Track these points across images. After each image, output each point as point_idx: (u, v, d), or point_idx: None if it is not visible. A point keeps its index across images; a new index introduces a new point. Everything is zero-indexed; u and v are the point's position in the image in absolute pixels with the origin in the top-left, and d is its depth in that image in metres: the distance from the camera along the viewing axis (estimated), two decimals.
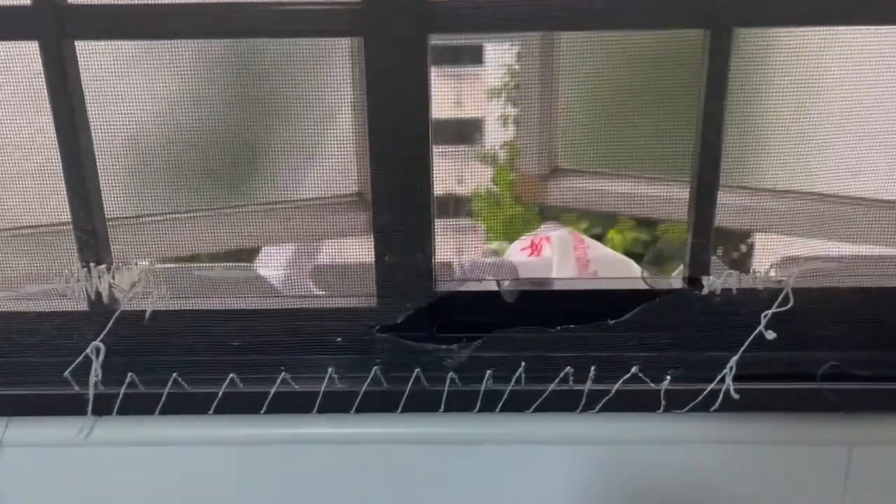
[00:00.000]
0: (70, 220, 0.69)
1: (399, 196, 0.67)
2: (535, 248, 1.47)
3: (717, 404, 0.69)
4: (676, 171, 0.84)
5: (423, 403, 0.70)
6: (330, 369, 0.70)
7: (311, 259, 1.23)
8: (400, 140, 0.66)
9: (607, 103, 0.96)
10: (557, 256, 1.39)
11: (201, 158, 0.78)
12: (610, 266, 1.41)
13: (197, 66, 0.73)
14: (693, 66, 0.75)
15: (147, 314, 0.69)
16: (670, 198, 0.91)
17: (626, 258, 1.43)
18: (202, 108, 0.74)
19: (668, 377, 0.69)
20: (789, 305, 0.66)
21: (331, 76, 0.77)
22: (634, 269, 1.43)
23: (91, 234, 0.68)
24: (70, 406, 0.71)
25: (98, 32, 0.65)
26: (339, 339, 0.70)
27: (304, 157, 0.83)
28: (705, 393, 0.69)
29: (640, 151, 0.96)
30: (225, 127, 0.76)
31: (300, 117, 0.78)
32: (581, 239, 1.40)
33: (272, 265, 1.01)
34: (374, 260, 0.70)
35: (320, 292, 0.86)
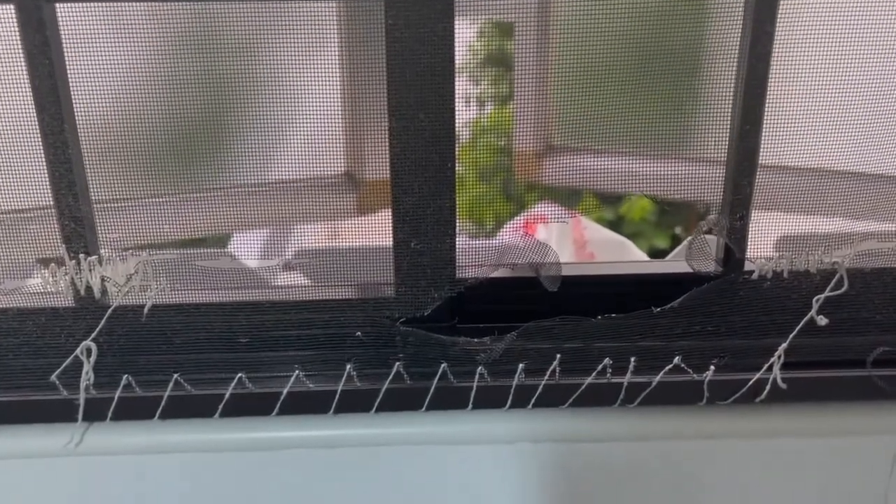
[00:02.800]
0: (53, 205, 0.61)
1: (425, 177, 0.61)
2: (528, 230, 1.42)
3: (763, 394, 0.65)
4: (679, 146, 0.80)
5: (450, 401, 0.65)
6: (348, 366, 0.65)
7: (291, 244, 1.16)
8: (425, 115, 0.60)
9: (605, 77, 0.91)
10: (554, 238, 1.35)
11: (180, 137, 0.72)
12: (607, 247, 1.38)
13: (182, 35, 0.66)
14: (696, 36, 0.70)
15: (146, 309, 0.62)
16: (670, 175, 0.87)
17: (623, 239, 1.40)
18: (181, 81, 0.67)
19: (712, 367, 0.65)
20: (843, 289, 0.62)
21: (316, 45, 0.71)
22: (631, 249, 1.39)
23: (79, 223, 0.61)
24: (58, 412, 0.64)
25: None
26: (359, 332, 0.64)
27: (287, 134, 0.77)
28: (751, 383, 0.65)
29: (639, 127, 0.92)
30: (202, 102, 0.70)
31: (283, 90, 0.72)
32: (578, 220, 1.36)
33: (247, 251, 0.95)
34: (392, 246, 0.64)
35: (306, 280, 0.80)
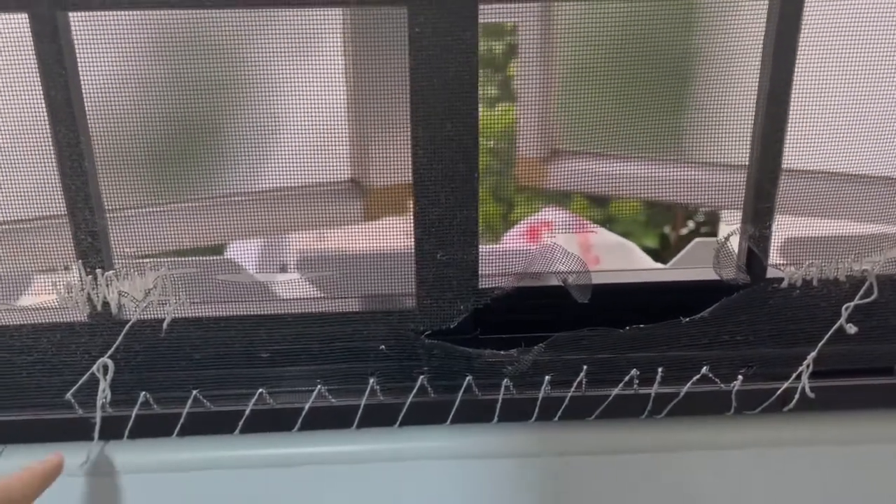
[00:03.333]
0: (68, 219, 0.60)
1: (452, 187, 0.60)
2: (533, 236, 1.41)
3: (792, 404, 0.64)
4: (695, 151, 0.79)
5: (475, 414, 0.64)
6: (371, 380, 0.63)
7: (289, 251, 1.15)
8: (450, 124, 0.58)
9: (609, 80, 0.90)
10: (559, 243, 1.34)
11: (186, 145, 0.70)
12: (611, 251, 1.37)
13: (184, 43, 0.65)
14: (717, 36, 0.70)
15: (165, 324, 0.61)
16: (677, 179, 0.86)
17: (628, 242, 1.39)
18: (183, 89, 0.66)
19: (740, 377, 0.64)
20: (873, 297, 0.62)
21: (319, 52, 0.70)
22: (636, 251, 1.39)
23: (95, 237, 0.59)
24: (73, 431, 0.63)
25: (96, 1, 0.56)
26: (383, 346, 0.63)
27: (291, 141, 0.75)
28: (779, 392, 0.64)
29: (645, 131, 0.91)
30: (207, 110, 0.69)
31: (287, 98, 0.71)
32: (583, 224, 1.35)
33: (244, 259, 0.94)
34: (416, 258, 0.63)
35: (314, 288, 0.79)
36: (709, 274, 0.66)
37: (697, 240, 1.45)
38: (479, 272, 0.64)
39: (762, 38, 0.62)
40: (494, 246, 1.36)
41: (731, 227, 0.69)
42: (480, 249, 0.63)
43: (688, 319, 0.63)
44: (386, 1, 0.57)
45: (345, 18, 0.74)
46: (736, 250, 0.66)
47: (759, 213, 0.64)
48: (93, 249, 0.59)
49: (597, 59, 0.80)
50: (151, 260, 0.64)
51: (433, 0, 0.56)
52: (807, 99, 0.67)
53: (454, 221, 0.60)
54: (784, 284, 0.62)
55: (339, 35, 0.73)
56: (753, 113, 0.66)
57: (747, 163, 0.67)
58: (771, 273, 0.65)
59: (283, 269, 1.07)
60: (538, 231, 1.39)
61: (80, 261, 0.60)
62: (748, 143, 0.67)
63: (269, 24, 0.66)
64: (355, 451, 0.64)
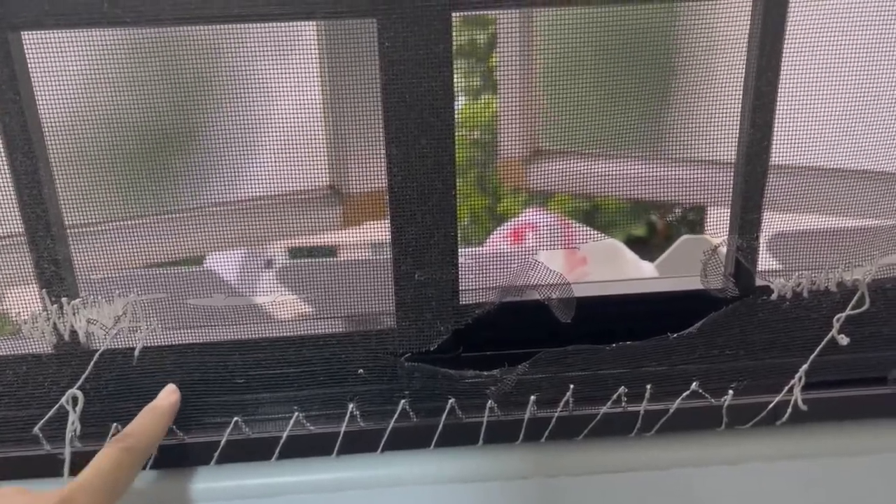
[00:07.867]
0: (29, 249, 0.57)
1: (429, 205, 0.57)
2: (516, 237, 1.39)
3: (784, 417, 0.62)
4: (671, 147, 0.78)
5: (460, 437, 0.62)
6: (350, 405, 0.61)
7: (270, 260, 1.13)
8: (427, 140, 0.56)
9: (591, 79, 0.88)
10: (544, 245, 1.32)
11: (154, 158, 0.68)
12: (599, 251, 1.35)
13: (153, 55, 0.63)
14: (683, 37, 0.68)
15: (136, 352, 0.58)
16: (663, 178, 0.85)
17: (615, 241, 1.38)
18: (157, 99, 0.63)
19: (731, 391, 0.62)
20: (865, 307, 0.60)
21: (293, 61, 0.68)
22: (624, 251, 1.37)
23: (59, 266, 0.57)
24: (41, 467, 0.60)
25: (50, 21, 0.53)
26: (361, 370, 0.61)
27: (268, 148, 0.73)
28: (771, 406, 0.62)
29: (627, 130, 0.89)
30: (180, 120, 0.67)
31: (262, 105, 0.69)
32: (568, 224, 1.34)
33: (227, 270, 0.92)
34: (394, 279, 0.60)
35: (291, 293, 0.76)
36: (697, 282, 0.65)
37: (685, 236, 1.43)
38: (460, 284, 0.62)
39: (747, 33, 0.60)
40: (477, 249, 1.34)
41: (718, 221, 0.67)
42: (462, 253, 0.61)
43: (676, 335, 0.61)
44: (354, 13, 0.54)
45: (318, 28, 0.72)
46: (723, 260, 0.65)
47: (746, 224, 0.62)
48: (56, 277, 0.57)
49: (580, 56, 0.78)
50: (126, 272, 0.62)
51: (403, 12, 0.53)
52: (792, 95, 0.65)
53: (431, 240, 0.58)
54: (774, 296, 0.60)
55: (313, 43, 0.71)
56: (739, 111, 0.64)
57: (734, 161, 0.65)
58: (759, 281, 0.63)
59: (269, 270, 1.05)
60: (522, 233, 1.37)
61: (43, 290, 0.57)
62: (734, 139, 0.65)
63: (242, 36, 0.64)
64: (337, 479, 0.62)
